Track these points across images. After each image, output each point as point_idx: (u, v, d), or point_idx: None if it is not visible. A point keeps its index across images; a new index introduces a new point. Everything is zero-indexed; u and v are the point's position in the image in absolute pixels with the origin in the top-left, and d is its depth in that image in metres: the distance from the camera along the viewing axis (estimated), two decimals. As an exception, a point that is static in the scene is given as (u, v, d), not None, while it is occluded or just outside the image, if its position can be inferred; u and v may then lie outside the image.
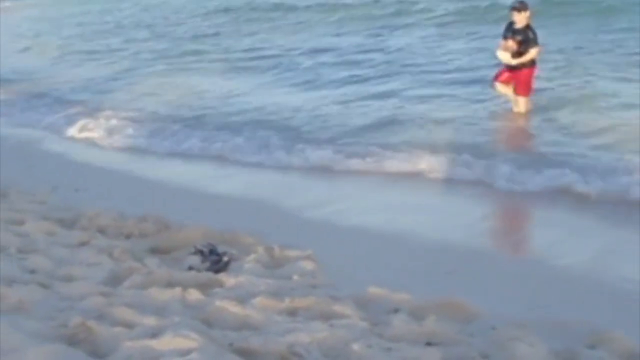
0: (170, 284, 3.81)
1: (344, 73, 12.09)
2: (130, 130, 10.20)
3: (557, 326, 3.57)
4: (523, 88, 8.61)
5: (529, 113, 8.68)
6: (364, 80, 11.50)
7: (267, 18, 19.76)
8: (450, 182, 6.86)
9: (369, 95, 10.47)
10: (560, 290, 4.44)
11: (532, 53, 8.40)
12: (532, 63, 8.52)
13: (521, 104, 8.68)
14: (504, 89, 8.71)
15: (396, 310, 3.58)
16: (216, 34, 18.80)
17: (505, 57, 8.50)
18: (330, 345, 2.95)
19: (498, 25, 9.52)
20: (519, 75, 8.56)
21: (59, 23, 25.75)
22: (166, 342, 2.75)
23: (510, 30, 8.49)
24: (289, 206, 6.48)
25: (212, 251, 4.60)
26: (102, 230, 5.31)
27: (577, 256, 4.96)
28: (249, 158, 8.32)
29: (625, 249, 5.05)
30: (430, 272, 4.88)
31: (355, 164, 7.56)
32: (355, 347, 2.91)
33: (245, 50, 15.66)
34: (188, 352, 2.65)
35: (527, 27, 8.42)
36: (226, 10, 22.16)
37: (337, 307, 3.49)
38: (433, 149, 7.64)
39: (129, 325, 3.02)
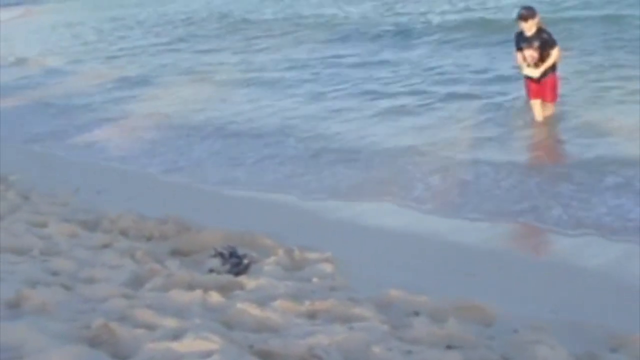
0: (191, 286, 3.83)
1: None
2: (148, 134, 10.28)
3: (578, 329, 3.55)
4: (551, 94, 8.13)
5: (553, 118, 8.19)
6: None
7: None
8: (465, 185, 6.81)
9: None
10: (582, 293, 4.40)
11: (554, 55, 7.86)
12: (554, 68, 7.98)
13: (549, 110, 8.20)
14: (538, 105, 8.14)
15: (416, 313, 3.57)
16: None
17: (532, 71, 7.94)
18: (350, 348, 2.95)
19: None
20: (544, 85, 8.03)
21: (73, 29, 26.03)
22: (187, 344, 2.77)
23: (524, 40, 7.92)
24: (308, 208, 6.50)
25: (232, 254, 4.62)
26: (123, 233, 5.36)
27: (599, 259, 4.91)
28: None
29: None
30: (451, 273, 4.86)
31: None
32: (375, 349, 2.91)
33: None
34: (209, 354, 2.66)
35: (540, 30, 7.86)
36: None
37: (357, 310, 3.49)
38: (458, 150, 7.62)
39: (151, 327, 3.05)
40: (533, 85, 8.10)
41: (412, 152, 7.77)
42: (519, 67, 8.17)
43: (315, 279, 4.24)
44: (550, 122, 8.21)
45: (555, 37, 7.91)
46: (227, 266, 4.48)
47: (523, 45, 7.92)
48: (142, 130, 10.54)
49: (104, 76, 15.92)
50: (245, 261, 4.55)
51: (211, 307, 3.48)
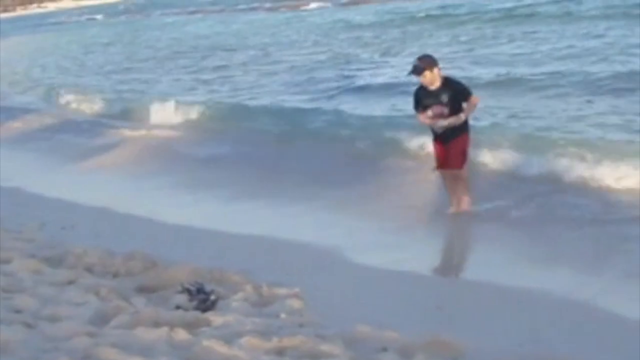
0: (157, 324, 3.79)
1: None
2: (116, 165, 10.24)
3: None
4: (460, 159, 6.60)
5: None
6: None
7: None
8: (436, 215, 6.88)
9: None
10: (553, 325, 4.43)
11: (473, 100, 6.48)
12: (466, 126, 6.58)
13: (460, 179, 6.67)
14: (449, 180, 6.79)
15: (385, 349, 3.58)
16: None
17: (454, 119, 6.45)
18: (318, 386, 2.93)
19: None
20: (450, 148, 6.58)
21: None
22: (152, 384, 2.73)
23: (428, 96, 6.51)
24: (278, 242, 6.48)
25: (200, 290, 4.58)
26: (89, 269, 5.28)
27: (570, 289, 4.96)
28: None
29: (622, 285, 5.04)
30: (419, 307, 4.87)
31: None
32: (343, 387, 2.90)
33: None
34: (174, 393, 2.63)
35: (444, 80, 6.50)
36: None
37: (325, 347, 3.48)
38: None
39: (115, 366, 3.00)
40: (439, 148, 6.70)
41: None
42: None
43: (283, 315, 4.23)
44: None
45: (465, 83, 6.73)
46: (195, 302, 4.43)
47: (428, 102, 6.53)
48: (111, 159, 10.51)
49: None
50: (213, 297, 4.51)
51: (177, 344, 3.45)
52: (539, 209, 6.75)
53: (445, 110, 6.45)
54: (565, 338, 4.21)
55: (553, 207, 6.73)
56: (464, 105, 6.49)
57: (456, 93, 6.47)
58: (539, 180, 7.52)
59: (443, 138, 6.60)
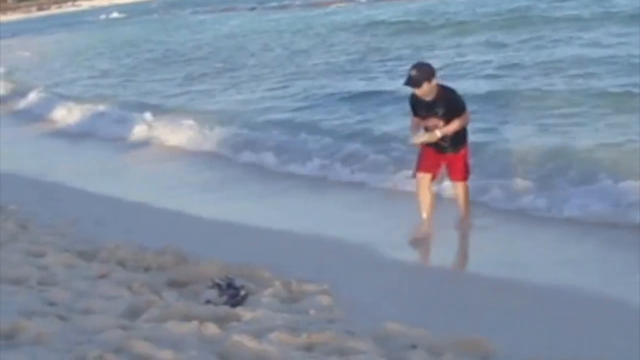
0: (187, 318, 3.82)
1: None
2: (149, 161, 10.37)
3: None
4: (463, 172, 6.31)
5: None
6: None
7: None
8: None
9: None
10: (584, 327, 4.38)
11: (460, 119, 6.03)
12: (465, 138, 6.25)
13: (460, 189, 6.36)
14: (426, 182, 6.28)
15: (414, 347, 3.56)
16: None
17: (429, 136, 6.07)
18: (347, 382, 2.93)
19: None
20: (455, 162, 6.28)
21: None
22: (183, 377, 2.76)
23: (422, 107, 6.11)
24: (307, 238, 6.50)
25: (230, 285, 4.61)
26: (121, 263, 5.35)
27: (602, 289, 4.89)
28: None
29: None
30: (450, 305, 4.85)
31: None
32: (372, 383, 2.90)
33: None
34: (204, 387, 2.65)
35: (442, 91, 6.06)
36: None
37: (354, 343, 3.48)
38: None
39: (146, 359, 3.04)
40: (429, 152, 6.25)
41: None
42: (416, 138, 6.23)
43: (312, 311, 4.23)
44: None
45: (462, 97, 6.25)
46: (224, 297, 4.46)
47: (422, 113, 6.14)
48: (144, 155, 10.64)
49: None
50: (243, 293, 4.53)
51: (207, 338, 3.47)
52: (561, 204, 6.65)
53: (440, 124, 6.03)
54: (597, 339, 4.15)
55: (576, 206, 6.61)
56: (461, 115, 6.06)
57: (452, 106, 6.06)
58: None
59: (436, 147, 6.18)
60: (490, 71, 13.47)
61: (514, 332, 4.24)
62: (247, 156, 10.08)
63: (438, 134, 6.02)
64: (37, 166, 10.31)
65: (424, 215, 6.25)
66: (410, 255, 5.98)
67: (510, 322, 4.46)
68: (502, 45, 16.19)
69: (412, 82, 6.02)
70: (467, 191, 6.39)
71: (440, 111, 6.01)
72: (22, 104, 17.57)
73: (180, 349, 3.18)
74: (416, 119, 6.24)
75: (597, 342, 4.05)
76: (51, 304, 4.04)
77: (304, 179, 8.74)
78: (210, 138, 11.41)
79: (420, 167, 6.29)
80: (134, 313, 4.01)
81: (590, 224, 6.20)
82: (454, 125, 6.02)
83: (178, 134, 11.92)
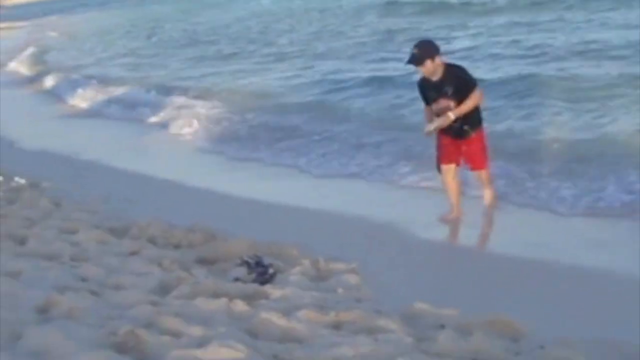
0: (216, 295, 3.85)
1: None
2: (180, 139, 10.44)
3: (607, 347, 3.49)
4: (481, 158, 6.08)
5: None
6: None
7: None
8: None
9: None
10: (615, 309, 4.32)
11: (473, 98, 5.72)
12: (480, 121, 5.99)
13: (484, 178, 6.16)
14: (452, 172, 6.10)
15: (442, 326, 3.55)
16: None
17: (442, 120, 5.79)
18: (375, 360, 2.94)
19: None
20: (471, 145, 5.99)
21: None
22: (212, 352, 2.78)
23: (431, 88, 5.84)
24: (336, 216, 6.51)
25: (258, 263, 4.64)
26: (152, 240, 5.42)
27: (635, 273, 4.81)
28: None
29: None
30: (479, 285, 4.82)
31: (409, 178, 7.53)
32: (400, 362, 2.90)
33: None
34: (233, 362, 2.67)
35: (448, 69, 5.78)
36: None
37: (382, 322, 3.48)
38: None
39: (177, 335, 3.07)
40: (447, 141, 6.02)
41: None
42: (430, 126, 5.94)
43: (340, 290, 4.24)
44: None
45: (470, 73, 5.91)
46: (253, 275, 4.50)
47: (431, 95, 5.87)
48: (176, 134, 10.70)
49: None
50: (271, 270, 4.56)
51: (236, 315, 3.50)
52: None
53: (452, 104, 5.74)
54: (628, 321, 4.08)
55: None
56: (470, 96, 5.74)
57: (461, 84, 5.74)
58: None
59: (453, 133, 5.94)
60: (520, 52, 13.23)
61: (544, 313, 4.20)
62: (276, 136, 10.09)
63: (451, 116, 5.73)
64: (68, 145, 10.44)
65: (453, 201, 6.14)
66: (439, 235, 5.94)
67: (540, 303, 4.42)
68: (531, 25, 15.88)
69: (414, 59, 5.72)
70: (489, 176, 6.22)
71: (450, 90, 5.73)
72: (50, 84, 17.72)
73: (209, 325, 3.21)
74: (428, 108, 6.00)
75: (628, 324, 3.99)
76: (83, 279, 4.10)
77: (332, 159, 8.71)
78: (240, 118, 11.45)
79: (442, 159, 6.11)
80: (164, 289, 4.06)
81: (624, 207, 6.09)
82: (467, 105, 5.72)
83: (207, 113, 11.98)
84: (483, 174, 6.18)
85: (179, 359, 2.76)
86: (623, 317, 4.13)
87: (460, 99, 5.73)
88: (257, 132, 10.52)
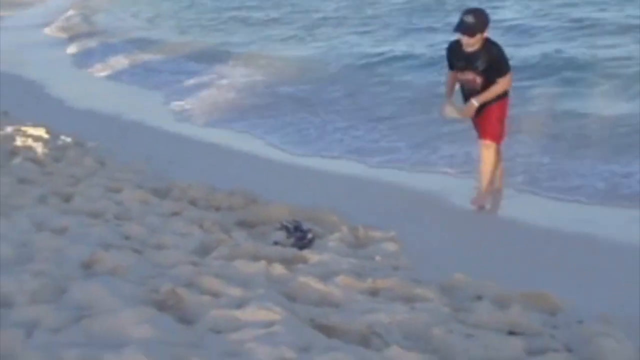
0: (255, 258, 3.89)
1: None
2: (224, 103, 10.51)
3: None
4: (491, 129, 5.63)
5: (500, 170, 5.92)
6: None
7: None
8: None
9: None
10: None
11: (500, 85, 5.45)
12: (505, 93, 5.60)
13: (488, 152, 5.69)
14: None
15: (479, 298, 3.54)
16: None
17: (456, 110, 5.62)
18: (411, 328, 2.95)
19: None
20: (484, 115, 5.61)
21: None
22: (250, 313, 2.83)
23: (461, 58, 5.51)
24: (377, 184, 6.50)
25: (297, 228, 4.67)
26: (193, 202, 5.49)
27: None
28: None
29: None
30: (519, 258, 4.78)
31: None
32: (436, 331, 2.90)
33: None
34: (270, 324, 2.71)
35: (486, 45, 5.41)
36: None
37: (419, 290, 3.48)
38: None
39: (216, 295, 3.12)
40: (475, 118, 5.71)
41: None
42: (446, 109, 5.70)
43: (378, 258, 4.25)
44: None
45: (507, 56, 5.54)
46: (292, 240, 4.53)
47: (459, 64, 5.55)
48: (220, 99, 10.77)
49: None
50: (310, 236, 4.59)
51: (274, 278, 3.53)
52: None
53: (478, 80, 5.44)
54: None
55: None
56: (499, 80, 5.41)
57: (494, 63, 5.41)
58: None
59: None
60: (566, 33, 12.82)
61: (584, 289, 4.15)
62: (319, 103, 10.08)
63: (475, 103, 5.47)
64: (112, 105, 10.59)
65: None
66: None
67: (581, 278, 4.37)
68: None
69: (466, 29, 5.33)
70: (494, 155, 5.68)
71: (482, 66, 5.41)
72: (90, 47, 17.81)
73: (248, 287, 3.25)
74: (452, 74, 5.70)
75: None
76: (126, 237, 4.18)
77: (375, 127, 8.67)
78: (281, 84, 11.45)
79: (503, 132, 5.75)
80: (204, 250, 4.12)
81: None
82: (493, 91, 5.43)
83: (248, 80, 12.00)
84: (486, 147, 5.66)
85: (218, 319, 2.81)
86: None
87: (488, 77, 5.44)
88: (300, 99, 10.52)
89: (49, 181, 5.60)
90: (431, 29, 14.48)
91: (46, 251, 3.56)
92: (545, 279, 4.13)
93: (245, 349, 2.53)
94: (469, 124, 5.98)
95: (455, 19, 5.59)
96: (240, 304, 2.94)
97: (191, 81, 12.59)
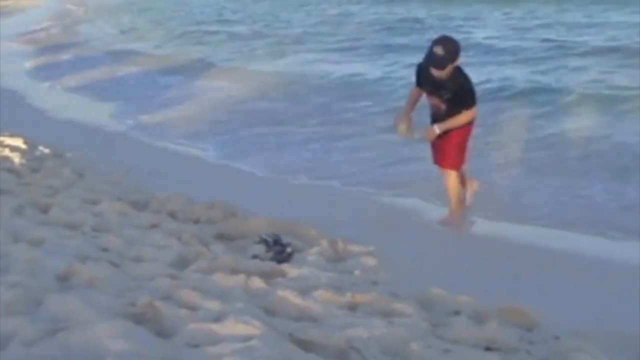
0: (234, 271, 3.88)
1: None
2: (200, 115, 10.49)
3: (623, 339, 3.48)
4: (450, 156, 5.56)
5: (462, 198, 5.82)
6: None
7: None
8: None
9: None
10: (632, 302, 4.29)
11: (465, 115, 5.32)
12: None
13: (449, 179, 5.64)
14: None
15: (457, 313, 3.55)
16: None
17: (410, 131, 5.50)
18: (389, 343, 2.95)
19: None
20: (444, 141, 5.49)
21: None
22: (228, 327, 2.81)
23: (430, 82, 5.35)
24: (356, 199, 6.51)
25: (277, 241, 4.66)
26: (172, 214, 5.47)
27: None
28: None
29: None
30: (496, 274, 4.81)
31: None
32: (414, 346, 2.91)
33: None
34: (248, 338, 2.70)
35: (455, 74, 5.23)
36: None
37: (398, 305, 3.49)
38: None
39: (194, 308, 3.10)
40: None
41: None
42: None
43: (357, 272, 4.25)
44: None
45: (475, 89, 5.38)
46: (271, 253, 4.52)
47: (426, 87, 5.44)
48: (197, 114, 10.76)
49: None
50: (289, 249, 4.59)
51: (253, 292, 3.53)
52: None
53: (443, 107, 5.35)
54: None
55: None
56: (463, 112, 5.29)
57: (460, 94, 5.28)
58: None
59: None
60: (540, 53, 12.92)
61: (561, 304, 4.19)
62: (292, 119, 10.12)
63: (437, 130, 5.36)
64: (94, 116, 10.53)
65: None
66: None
67: (558, 294, 4.40)
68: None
69: (435, 63, 5.15)
70: (455, 184, 5.64)
71: (447, 95, 5.28)
72: (66, 58, 17.69)
73: (226, 301, 3.24)
74: (417, 90, 5.55)
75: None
76: (104, 249, 4.15)
77: (353, 140, 8.70)
78: (255, 99, 11.49)
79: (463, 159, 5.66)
80: (182, 263, 4.10)
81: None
82: (456, 122, 5.30)
83: (223, 94, 12.01)
84: (447, 175, 5.62)
85: (196, 332, 2.79)
86: (632, 309, 4.10)
87: (453, 107, 5.32)
88: (280, 111, 10.56)
89: (26, 192, 5.55)
90: (407, 47, 14.59)
91: (22, 262, 3.52)
92: (522, 295, 4.14)
93: (222, 363, 2.52)
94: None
95: (431, 36, 5.59)
96: (218, 318, 2.93)
97: (168, 94, 12.55)
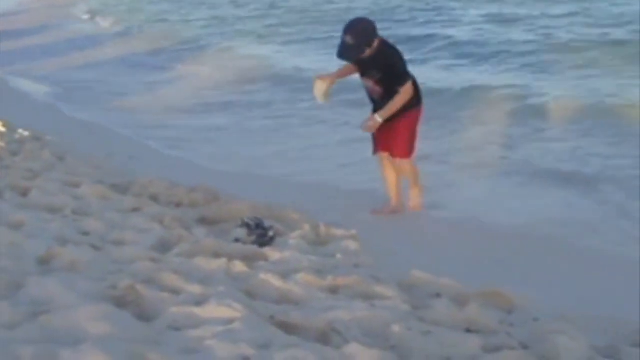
0: (216, 255, 3.88)
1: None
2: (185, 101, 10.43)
3: (602, 322, 3.51)
4: (400, 144, 5.33)
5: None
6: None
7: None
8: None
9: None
10: (612, 285, 4.34)
11: (403, 93, 5.02)
12: (415, 102, 5.21)
13: (399, 170, 5.46)
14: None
15: (438, 295, 3.58)
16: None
17: (369, 125, 5.19)
18: (370, 325, 2.97)
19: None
20: (391, 129, 5.22)
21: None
22: (210, 310, 2.82)
23: (360, 63, 5.12)
24: (337, 184, 6.52)
25: (259, 225, 4.65)
26: (153, 198, 5.43)
27: (634, 249, 4.84)
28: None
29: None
30: (479, 258, 4.84)
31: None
32: (395, 328, 2.93)
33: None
34: (230, 321, 2.71)
35: (380, 50, 5.01)
36: None
37: (379, 288, 3.50)
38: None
39: (175, 292, 3.10)
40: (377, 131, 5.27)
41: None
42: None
43: (339, 256, 4.26)
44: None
45: (405, 60, 5.11)
46: (253, 237, 4.51)
47: (359, 67, 5.18)
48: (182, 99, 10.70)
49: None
50: (271, 233, 4.58)
51: (235, 276, 3.53)
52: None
53: (378, 89, 5.10)
54: (625, 300, 4.11)
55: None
56: (400, 89, 5.00)
57: (390, 70, 5.01)
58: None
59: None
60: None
61: (543, 287, 4.23)
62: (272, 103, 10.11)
63: (379, 119, 5.09)
64: (77, 99, 10.43)
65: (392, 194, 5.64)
66: (440, 206, 5.96)
67: (537, 277, 4.45)
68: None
69: (346, 52, 4.94)
70: (409, 170, 5.49)
71: (377, 75, 5.03)
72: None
73: (208, 284, 3.24)
74: (351, 66, 5.22)
75: (628, 302, 4.02)
76: (85, 233, 4.13)
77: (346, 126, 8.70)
78: (257, 80, 11.45)
79: (377, 145, 5.48)
80: (164, 247, 4.09)
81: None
82: (397, 102, 5.01)
83: (229, 74, 11.97)
84: (399, 163, 5.42)
85: (177, 316, 2.79)
86: (623, 295, 4.16)
87: (388, 87, 5.07)
88: (269, 94, 10.52)
89: (6, 175, 5.49)
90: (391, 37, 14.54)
91: (2, 246, 3.49)
92: (502, 277, 4.19)
93: (204, 346, 2.52)
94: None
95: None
96: (200, 301, 2.93)
97: (151, 77, 12.48)
